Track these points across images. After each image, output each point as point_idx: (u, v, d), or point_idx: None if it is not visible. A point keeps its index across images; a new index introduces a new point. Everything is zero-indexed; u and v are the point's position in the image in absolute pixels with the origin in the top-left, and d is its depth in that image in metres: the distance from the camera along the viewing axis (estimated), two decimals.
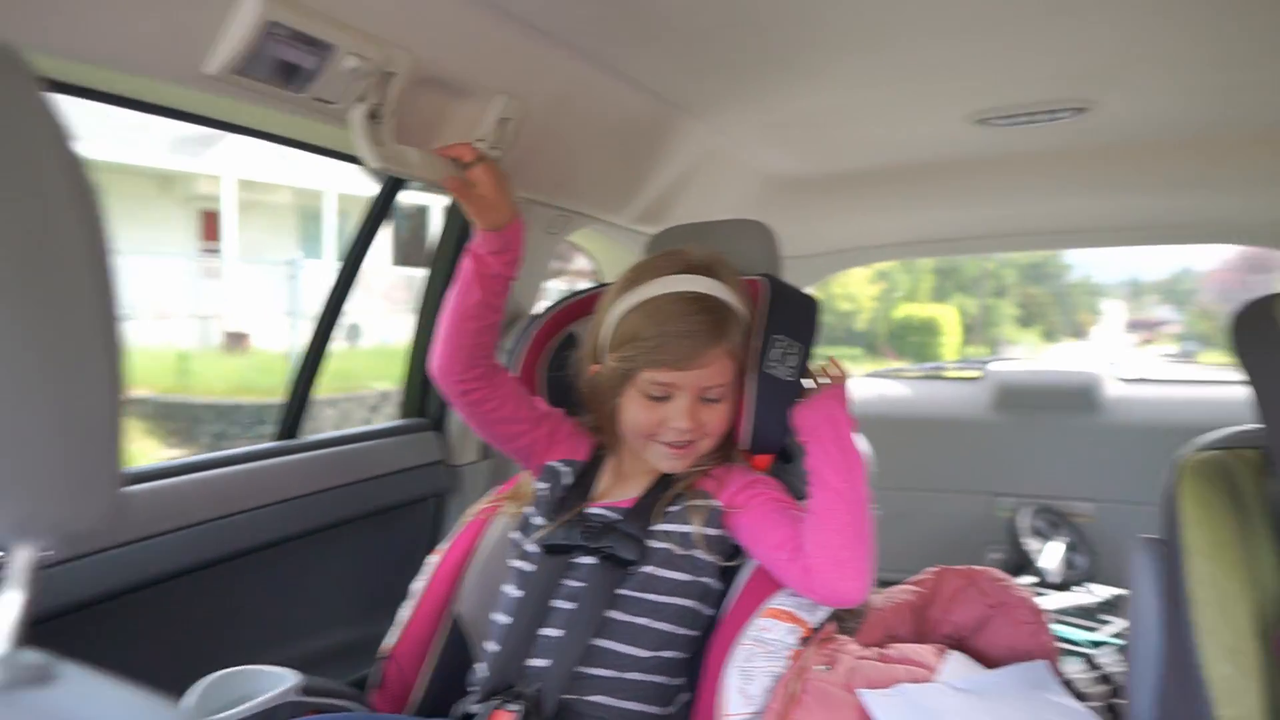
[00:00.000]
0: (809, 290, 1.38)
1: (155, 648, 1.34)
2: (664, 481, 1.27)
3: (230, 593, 1.46)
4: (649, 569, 1.19)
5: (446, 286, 1.31)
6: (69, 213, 0.48)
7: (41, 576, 0.48)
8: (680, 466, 1.26)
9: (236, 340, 11.25)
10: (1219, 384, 3.00)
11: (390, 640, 1.32)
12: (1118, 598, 2.37)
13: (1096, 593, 2.43)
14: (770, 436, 1.27)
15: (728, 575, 1.24)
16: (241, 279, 11.81)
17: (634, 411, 1.24)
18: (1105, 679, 1.48)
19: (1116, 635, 2.06)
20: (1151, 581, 1.12)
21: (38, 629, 0.48)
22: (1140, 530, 1.17)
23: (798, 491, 1.25)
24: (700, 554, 1.21)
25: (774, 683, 1.12)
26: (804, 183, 2.37)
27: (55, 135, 0.48)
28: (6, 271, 0.45)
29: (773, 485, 1.26)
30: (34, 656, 0.46)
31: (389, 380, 8.70)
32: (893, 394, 3.28)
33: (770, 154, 2.16)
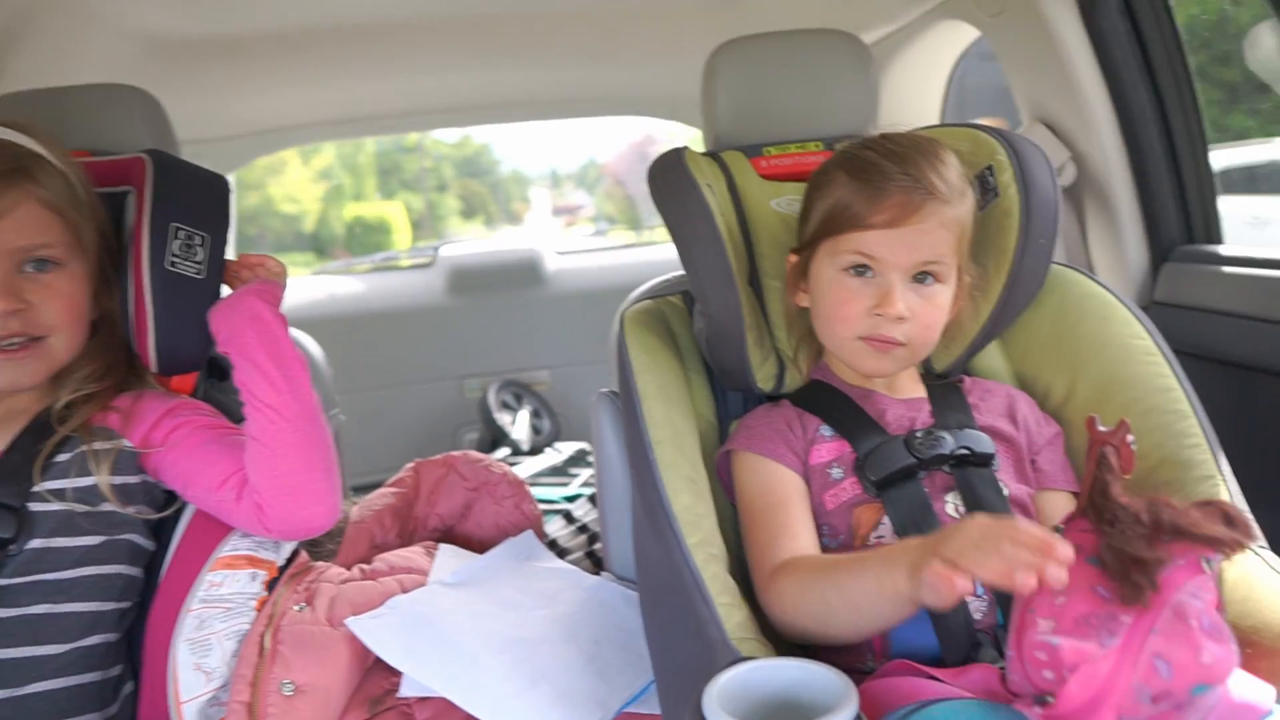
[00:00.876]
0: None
1: None
2: (40, 426, 0.98)
3: None
4: (37, 543, 0.94)
5: None
6: None
7: None
8: (26, 378, 0.97)
9: None
10: (634, 248, 3.45)
11: None
12: (580, 451, 2.59)
13: (563, 450, 2.63)
14: (186, 351, 1.06)
15: (163, 529, 1.02)
16: None
17: None
18: (583, 529, 1.57)
19: (585, 485, 2.24)
20: (613, 430, 1.18)
21: None
22: (590, 387, 1.21)
23: (236, 414, 1.04)
24: (114, 508, 0.95)
25: (239, 644, 0.94)
26: (199, 47, 2.00)
27: None
28: None
29: (201, 410, 1.05)
30: None
31: None
32: (344, 291, 3.15)
33: (146, 6, 1.74)
